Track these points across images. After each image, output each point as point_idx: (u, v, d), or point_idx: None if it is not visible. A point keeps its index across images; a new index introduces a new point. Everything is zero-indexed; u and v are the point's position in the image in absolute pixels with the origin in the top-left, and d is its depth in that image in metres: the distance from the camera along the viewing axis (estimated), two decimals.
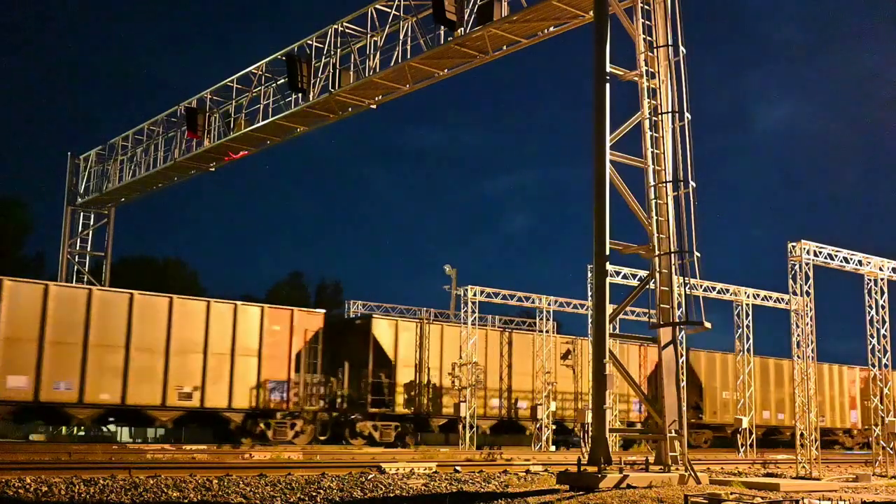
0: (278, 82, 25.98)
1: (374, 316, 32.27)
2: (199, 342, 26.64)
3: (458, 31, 20.54)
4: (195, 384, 26.36)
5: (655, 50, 15.63)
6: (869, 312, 22.17)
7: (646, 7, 15.73)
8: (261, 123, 26.52)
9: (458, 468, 18.02)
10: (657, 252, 15.13)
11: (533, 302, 34.61)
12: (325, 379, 29.92)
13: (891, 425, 22.09)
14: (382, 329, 31.47)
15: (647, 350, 36.96)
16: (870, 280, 22.26)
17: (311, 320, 29.40)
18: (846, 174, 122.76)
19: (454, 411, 32.02)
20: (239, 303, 28.27)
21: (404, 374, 31.52)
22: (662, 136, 15.42)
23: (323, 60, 24.13)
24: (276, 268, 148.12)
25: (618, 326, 26.08)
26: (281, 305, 29.89)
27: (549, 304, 34.72)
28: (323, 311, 30.12)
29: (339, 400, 30.46)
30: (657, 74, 15.55)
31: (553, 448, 33.27)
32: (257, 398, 27.54)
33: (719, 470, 19.85)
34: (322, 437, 29.78)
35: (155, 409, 25.80)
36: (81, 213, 34.67)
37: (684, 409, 15.52)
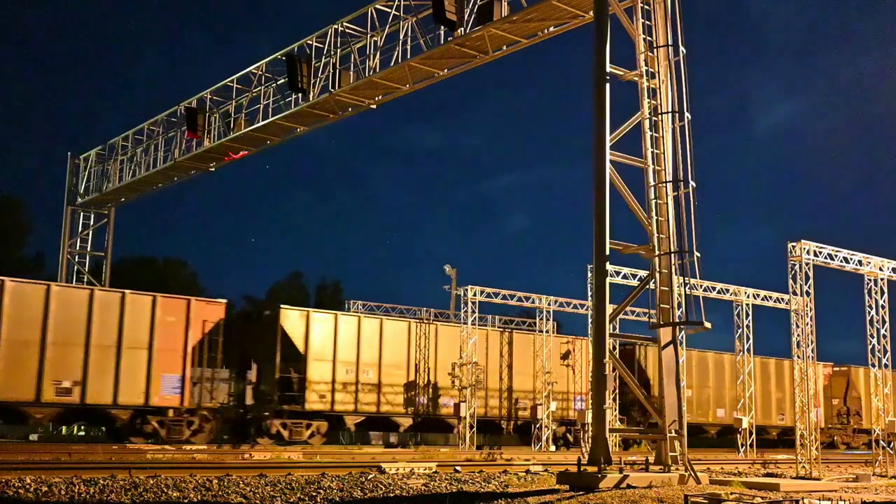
0: (278, 82, 26.00)
1: (282, 307, 29.47)
2: (80, 333, 24.70)
3: (458, 31, 20.55)
4: (75, 379, 24.44)
5: (655, 50, 15.64)
6: (869, 312, 22.17)
7: (646, 7, 15.74)
8: (261, 123, 26.53)
9: (458, 468, 18.03)
10: (657, 252, 15.13)
11: (533, 302, 34.62)
12: (231, 374, 28.33)
13: (891, 425, 22.10)
14: (293, 321, 28.97)
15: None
16: (870, 280, 22.26)
17: (211, 311, 27.29)
18: (846, 174, 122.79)
19: (376, 409, 30.24)
20: (128, 291, 26.07)
21: (318, 370, 29.05)
22: (662, 136, 15.42)
23: (323, 60, 24.14)
24: (276, 268, 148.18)
25: (618, 326, 26.08)
26: (177, 295, 27.86)
27: (549, 304, 34.73)
28: (224, 300, 28.00)
29: (247, 397, 28.83)
30: (657, 74, 15.56)
31: (553, 448, 33.28)
32: (147, 394, 25.55)
33: (719, 470, 19.85)
34: (225, 437, 28.28)
35: (28, 405, 23.92)
36: (81, 213, 34.68)
37: (684, 409, 15.52)
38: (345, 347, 29.79)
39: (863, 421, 41.59)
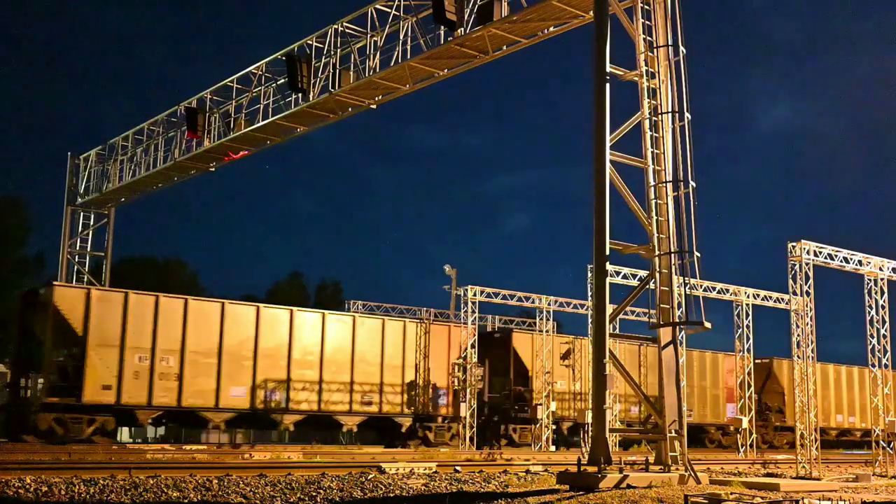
0: (278, 82, 25.96)
1: (56, 284, 26.59)
2: None
3: (458, 31, 20.53)
4: None
5: (655, 50, 15.64)
6: (869, 312, 22.17)
7: (646, 7, 15.73)
8: (261, 123, 26.49)
9: (458, 468, 18.03)
10: (657, 252, 15.13)
11: (533, 302, 34.63)
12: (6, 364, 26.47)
13: (890, 425, 22.09)
14: (68, 301, 25.58)
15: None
16: (870, 280, 22.26)
17: None
18: (846, 174, 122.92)
19: (175, 401, 26.63)
20: None
21: (101, 355, 25.53)
22: (662, 136, 15.42)
23: (323, 60, 24.11)
24: (276, 268, 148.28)
25: (618, 326, 26.09)
26: None
27: (549, 304, 34.74)
28: None
29: (21, 390, 26.82)
30: (657, 74, 15.55)
31: (553, 448, 33.29)
32: None
33: (719, 470, 19.86)
34: None
35: None
36: (81, 213, 34.64)
37: (684, 409, 15.51)
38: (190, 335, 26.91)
39: (785, 418, 39.50)
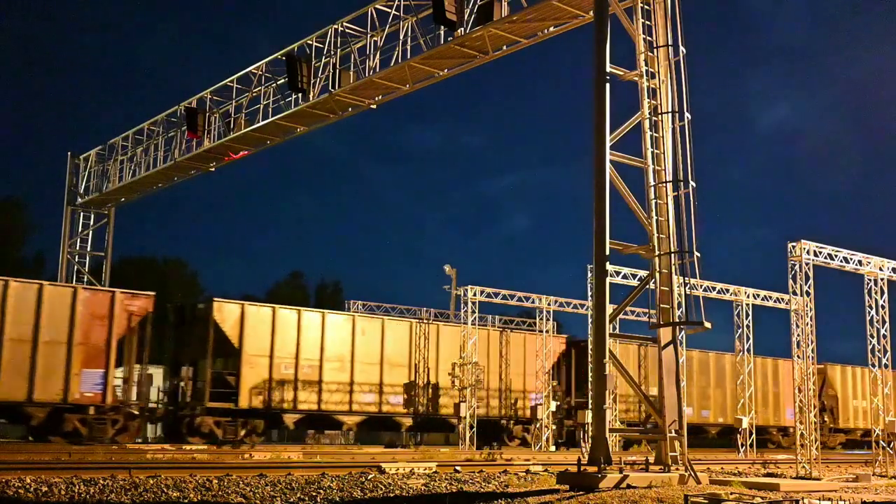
0: (278, 82, 25.97)
1: (215, 299, 28.20)
2: None
3: (458, 31, 20.53)
4: None
5: (655, 50, 15.63)
6: (869, 312, 22.16)
7: (646, 7, 15.73)
8: (261, 123, 26.51)
9: (458, 468, 18.03)
10: (657, 252, 15.13)
11: (533, 302, 34.62)
12: (166, 371, 27.78)
13: (890, 425, 22.09)
14: (226, 314, 27.73)
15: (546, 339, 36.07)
16: (870, 280, 22.25)
17: (138, 304, 25.94)
18: (846, 174, 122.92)
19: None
20: (46, 283, 24.84)
21: (254, 366, 27.95)
22: (662, 136, 15.42)
23: (323, 60, 24.11)
24: (276, 268, 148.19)
25: (618, 326, 26.08)
26: (100, 287, 26.34)
27: (549, 304, 34.73)
28: (152, 293, 26.47)
29: (180, 394, 27.99)
30: (657, 74, 15.55)
31: (553, 448, 33.29)
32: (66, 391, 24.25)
33: (719, 470, 19.85)
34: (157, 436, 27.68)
35: None
36: (81, 213, 34.66)
37: (684, 409, 15.51)
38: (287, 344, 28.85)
39: (839, 420, 41.50)
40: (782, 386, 40.76)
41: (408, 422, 32.00)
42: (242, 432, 28.05)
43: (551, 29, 20.12)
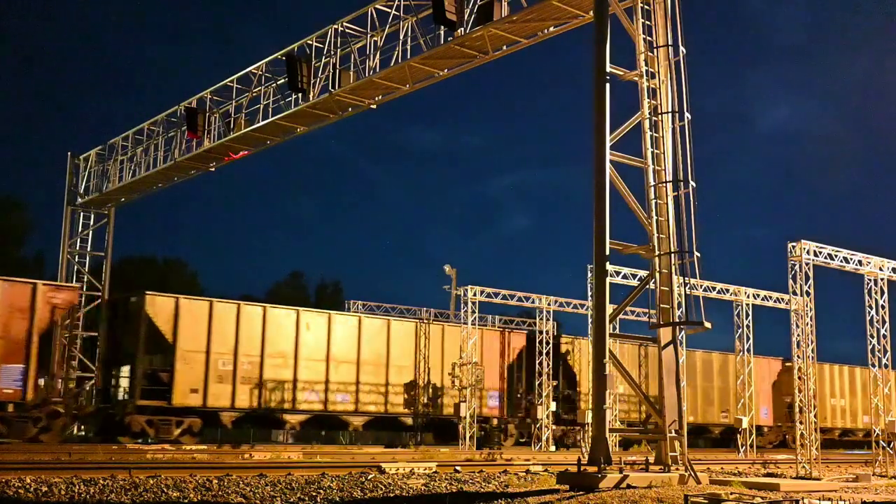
0: (278, 82, 25.95)
1: (147, 293, 27.34)
2: None
3: (458, 31, 20.52)
4: None
5: (655, 50, 15.63)
6: (869, 312, 22.16)
7: (646, 7, 15.73)
8: (261, 123, 26.48)
9: (458, 468, 18.03)
10: (657, 252, 15.13)
11: (533, 302, 34.62)
12: (98, 367, 27.23)
13: (890, 425, 22.09)
14: (159, 308, 26.98)
15: (510, 335, 36.18)
16: (870, 280, 22.25)
17: (62, 297, 25.22)
18: (846, 174, 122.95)
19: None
20: None
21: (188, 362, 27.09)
22: (662, 136, 15.41)
23: (323, 60, 24.10)
24: (276, 268, 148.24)
25: (618, 326, 26.09)
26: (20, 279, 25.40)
27: (548, 304, 34.72)
28: (77, 285, 26.08)
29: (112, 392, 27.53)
30: (657, 74, 15.55)
31: (553, 448, 33.28)
32: None
33: (719, 470, 19.85)
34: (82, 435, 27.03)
35: None
36: (81, 213, 34.62)
37: (684, 408, 15.51)
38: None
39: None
40: (757, 383, 40.09)
41: (358, 421, 30.95)
42: (177, 431, 26.96)
43: (551, 29, 20.11)
